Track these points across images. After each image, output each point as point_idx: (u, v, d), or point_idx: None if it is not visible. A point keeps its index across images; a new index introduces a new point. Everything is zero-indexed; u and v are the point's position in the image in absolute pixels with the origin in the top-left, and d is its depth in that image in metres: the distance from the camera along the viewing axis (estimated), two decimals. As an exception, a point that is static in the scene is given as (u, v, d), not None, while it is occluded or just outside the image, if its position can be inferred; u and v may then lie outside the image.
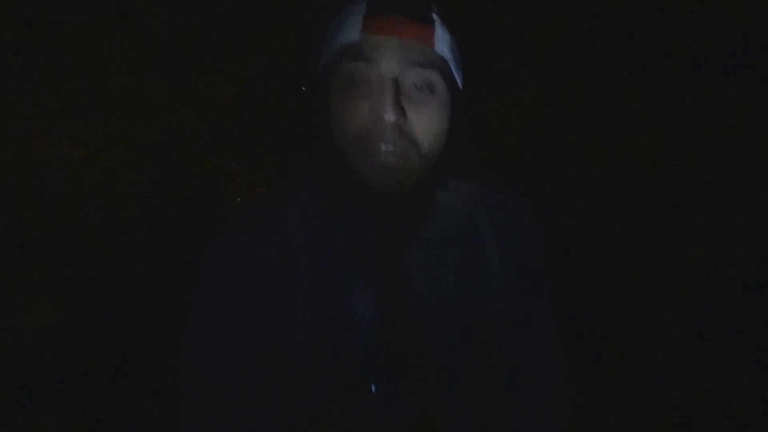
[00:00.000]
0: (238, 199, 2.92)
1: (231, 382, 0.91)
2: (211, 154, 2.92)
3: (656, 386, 2.58)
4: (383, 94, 0.84)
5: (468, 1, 2.84)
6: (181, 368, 0.94)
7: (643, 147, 2.87)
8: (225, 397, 0.92)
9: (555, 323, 1.07)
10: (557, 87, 2.90)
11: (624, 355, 2.68)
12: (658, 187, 2.90)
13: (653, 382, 2.59)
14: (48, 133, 2.87)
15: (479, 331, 0.93)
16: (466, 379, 0.92)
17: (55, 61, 2.87)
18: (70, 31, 2.88)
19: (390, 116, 0.83)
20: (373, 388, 0.88)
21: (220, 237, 0.95)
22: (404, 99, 0.85)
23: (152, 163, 2.89)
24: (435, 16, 0.89)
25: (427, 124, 0.86)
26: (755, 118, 2.81)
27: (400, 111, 0.83)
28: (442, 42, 0.88)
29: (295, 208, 0.93)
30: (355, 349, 0.88)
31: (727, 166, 2.81)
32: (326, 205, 0.92)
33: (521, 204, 1.05)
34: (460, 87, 0.92)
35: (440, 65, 0.87)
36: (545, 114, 2.88)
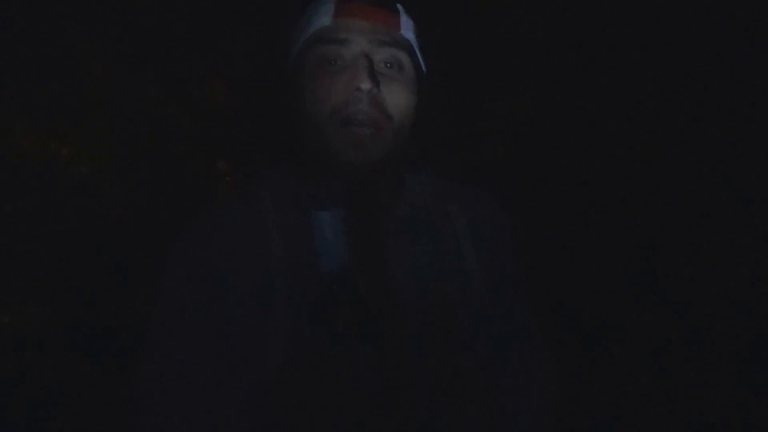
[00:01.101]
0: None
1: (196, 371, 0.93)
2: (201, 153, 2.89)
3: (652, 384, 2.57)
4: (358, 68, 0.91)
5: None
6: (143, 359, 0.96)
7: (640, 152, 2.85)
8: (188, 388, 0.93)
9: (531, 313, 1.10)
10: (549, 91, 2.86)
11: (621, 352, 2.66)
12: (655, 191, 2.88)
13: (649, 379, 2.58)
14: (35, 129, 2.84)
15: (452, 310, 0.97)
16: (438, 351, 0.95)
17: (42, 56, 2.84)
18: (58, 27, 2.86)
19: (366, 85, 0.90)
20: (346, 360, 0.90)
21: (184, 233, 1.01)
22: (376, 73, 0.92)
23: (140, 161, 2.86)
24: (399, 6, 1.00)
25: (397, 97, 0.94)
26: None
27: (375, 81, 0.91)
28: (406, 27, 0.99)
29: (266, 199, 0.98)
30: (328, 324, 0.90)
31: (724, 178, 2.79)
32: (299, 191, 0.96)
33: (491, 194, 1.11)
34: (424, 71, 1.02)
35: (407, 47, 0.97)
36: (536, 119, 2.85)
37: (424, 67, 1.02)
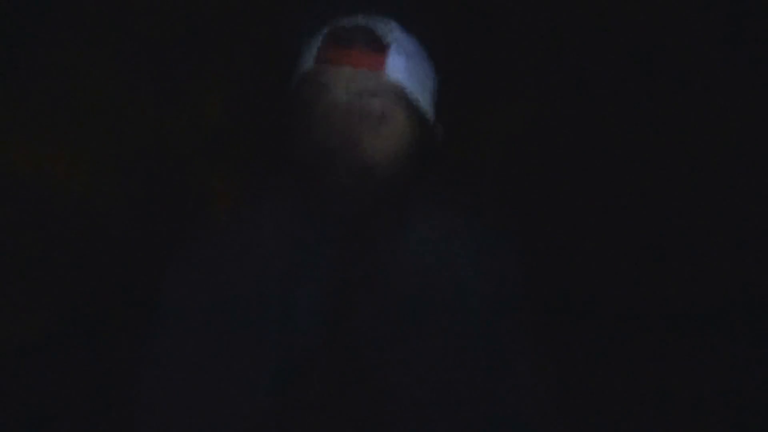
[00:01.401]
0: (222, 216, 2.89)
1: (190, 392, 0.95)
2: (197, 169, 2.89)
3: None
4: (334, 122, 0.89)
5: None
6: (139, 370, 0.99)
7: (640, 158, 2.87)
8: (182, 406, 0.95)
9: (537, 370, 1.06)
10: (548, 96, 2.89)
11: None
12: (655, 197, 2.90)
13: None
14: (29, 145, 2.83)
15: (446, 360, 0.97)
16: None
17: (36, 70, 2.84)
18: (53, 39, 2.86)
19: (338, 143, 0.88)
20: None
21: (182, 248, 1.01)
22: (354, 124, 0.89)
23: (137, 177, 2.86)
24: (391, 40, 0.92)
25: (378, 148, 0.90)
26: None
27: (348, 136, 0.88)
28: (395, 68, 0.91)
29: (268, 215, 0.99)
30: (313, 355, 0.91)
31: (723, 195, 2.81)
32: (293, 226, 0.97)
33: (505, 237, 1.07)
34: (423, 107, 0.96)
35: (393, 93, 0.91)
36: (535, 124, 2.87)
37: (423, 103, 0.97)
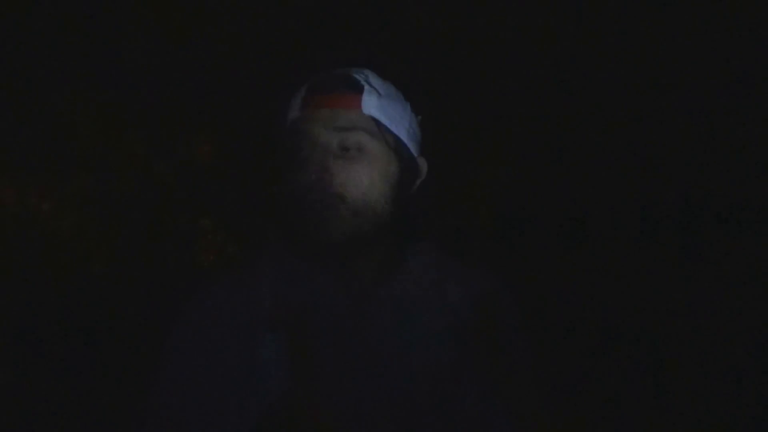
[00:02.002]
0: (210, 257, 2.89)
1: None
2: (185, 211, 2.90)
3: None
4: (314, 158, 0.97)
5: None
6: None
7: (623, 212, 2.95)
8: None
9: (534, 399, 1.08)
10: (531, 159, 2.98)
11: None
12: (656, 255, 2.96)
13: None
14: (15, 183, 2.82)
15: (442, 396, 0.97)
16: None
17: (25, 110, 2.84)
18: (42, 80, 2.87)
19: (312, 175, 0.96)
20: None
21: (185, 310, 1.02)
22: (332, 159, 0.97)
23: (124, 218, 2.85)
24: (364, 83, 1.02)
25: (354, 179, 0.97)
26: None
27: (325, 170, 0.96)
28: (369, 105, 1.00)
29: (266, 276, 1.02)
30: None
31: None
32: (292, 267, 1.01)
33: (493, 276, 1.11)
34: (400, 140, 1.04)
35: (368, 126, 0.99)
36: (518, 185, 2.95)
37: (399, 136, 1.03)
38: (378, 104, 1.01)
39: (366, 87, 1.00)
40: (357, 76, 1.01)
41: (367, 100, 1.00)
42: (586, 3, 2.98)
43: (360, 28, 3.00)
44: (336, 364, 0.96)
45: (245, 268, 1.06)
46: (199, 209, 2.91)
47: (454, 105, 2.80)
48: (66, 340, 2.57)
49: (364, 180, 0.97)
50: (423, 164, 1.07)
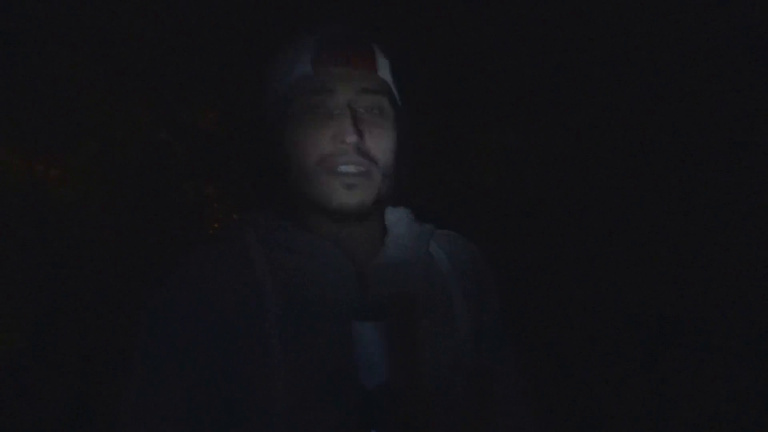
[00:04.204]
0: (215, 225, 2.90)
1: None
2: (190, 178, 2.90)
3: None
4: (342, 119, 0.94)
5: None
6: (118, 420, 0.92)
7: (628, 186, 2.91)
8: None
9: (522, 369, 1.08)
10: (538, 124, 2.93)
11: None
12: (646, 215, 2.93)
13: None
14: (22, 151, 2.83)
15: (445, 361, 0.96)
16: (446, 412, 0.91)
17: (31, 78, 2.84)
18: (47, 49, 2.86)
19: (351, 138, 0.92)
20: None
21: (164, 283, 0.94)
22: (360, 122, 0.94)
23: (129, 185, 2.85)
24: (374, 45, 1.00)
25: (382, 142, 0.96)
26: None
27: (359, 133, 0.93)
28: (383, 67, 0.99)
29: (253, 242, 0.96)
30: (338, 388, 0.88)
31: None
32: (290, 233, 0.97)
33: (470, 241, 1.11)
34: (401, 106, 1.03)
35: (385, 89, 0.99)
36: (525, 151, 2.91)
37: (400, 103, 1.02)
38: (388, 66, 1.00)
39: (377, 49, 0.99)
40: (366, 36, 1.00)
41: (381, 62, 0.99)
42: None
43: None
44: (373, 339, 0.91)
45: (225, 241, 0.99)
46: (204, 176, 2.91)
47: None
48: (73, 307, 2.60)
49: (389, 143, 0.97)
50: (406, 121, 1.05)
